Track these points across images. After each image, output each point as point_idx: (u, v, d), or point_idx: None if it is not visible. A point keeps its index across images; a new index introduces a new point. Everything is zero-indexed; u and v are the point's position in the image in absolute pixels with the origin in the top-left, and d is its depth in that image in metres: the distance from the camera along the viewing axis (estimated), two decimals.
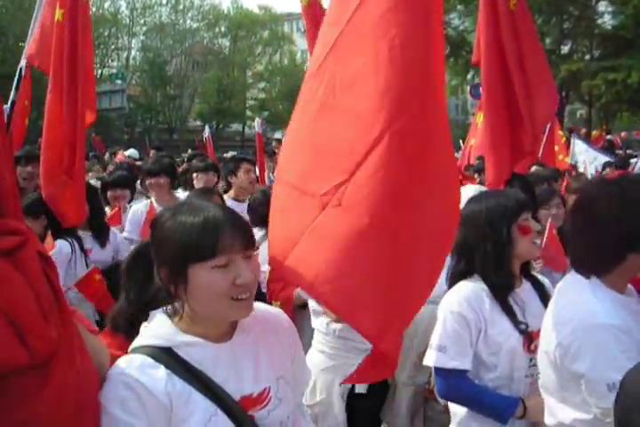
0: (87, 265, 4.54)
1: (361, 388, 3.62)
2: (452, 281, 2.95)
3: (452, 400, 2.90)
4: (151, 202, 5.91)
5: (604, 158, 11.12)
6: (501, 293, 2.84)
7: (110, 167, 10.66)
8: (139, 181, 7.36)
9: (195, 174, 6.87)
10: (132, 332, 1.95)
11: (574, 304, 2.29)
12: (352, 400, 3.63)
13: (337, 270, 2.05)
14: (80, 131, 4.31)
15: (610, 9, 32.06)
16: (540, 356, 2.44)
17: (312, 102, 2.29)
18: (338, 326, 3.62)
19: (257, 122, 9.36)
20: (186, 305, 1.85)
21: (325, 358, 3.62)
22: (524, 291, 2.93)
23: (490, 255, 2.83)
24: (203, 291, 1.78)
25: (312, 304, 3.69)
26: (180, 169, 8.13)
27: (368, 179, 2.07)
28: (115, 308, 2.22)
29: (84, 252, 4.62)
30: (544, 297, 2.90)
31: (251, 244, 1.85)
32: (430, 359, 2.84)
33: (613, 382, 1.99)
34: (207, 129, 14.27)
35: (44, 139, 4.36)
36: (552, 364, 2.32)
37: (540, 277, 3.14)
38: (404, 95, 2.08)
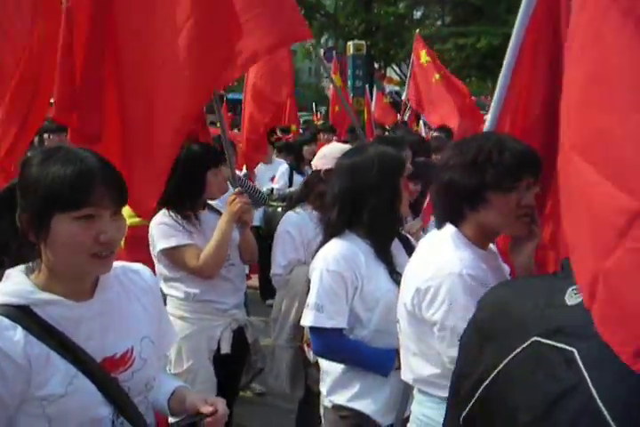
0: None
1: (226, 349, 3.56)
2: (332, 232, 2.84)
3: (330, 359, 2.85)
4: None
5: None
6: (385, 243, 2.82)
7: None
8: None
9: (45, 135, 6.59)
10: None
11: (436, 253, 2.25)
12: (219, 363, 3.58)
13: None
14: None
15: None
16: (399, 310, 2.40)
17: None
18: (195, 290, 3.51)
19: None
20: (45, 257, 1.72)
21: (187, 323, 3.52)
22: (394, 245, 2.92)
23: (382, 204, 2.76)
24: (62, 243, 1.67)
25: (161, 270, 3.52)
26: None
27: None
28: None
29: None
30: (410, 251, 2.85)
31: (122, 201, 1.75)
32: (308, 319, 2.78)
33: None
34: None
35: None
36: (409, 314, 2.29)
37: (403, 232, 3.14)
38: None
